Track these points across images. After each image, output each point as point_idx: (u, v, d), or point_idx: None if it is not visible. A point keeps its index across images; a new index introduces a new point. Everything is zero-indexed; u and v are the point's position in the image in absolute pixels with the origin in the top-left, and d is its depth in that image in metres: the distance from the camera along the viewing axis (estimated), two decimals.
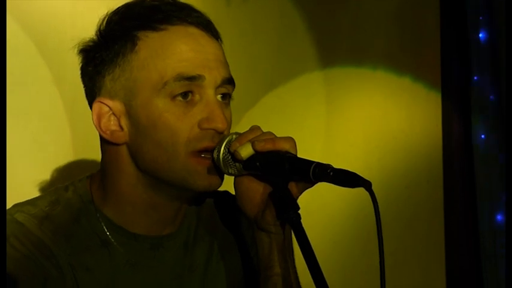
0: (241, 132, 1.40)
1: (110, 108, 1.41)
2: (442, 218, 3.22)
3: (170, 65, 1.39)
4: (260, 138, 1.36)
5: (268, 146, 1.35)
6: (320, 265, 1.32)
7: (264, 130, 1.41)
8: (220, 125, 1.39)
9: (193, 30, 1.42)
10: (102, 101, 1.42)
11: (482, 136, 3.19)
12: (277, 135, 1.39)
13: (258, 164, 1.35)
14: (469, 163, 3.21)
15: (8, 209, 1.41)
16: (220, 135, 1.40)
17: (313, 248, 1.32)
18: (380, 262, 1.28)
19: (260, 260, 1.43)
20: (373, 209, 1.31)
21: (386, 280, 1.29)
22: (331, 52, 2.89)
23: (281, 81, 2.73)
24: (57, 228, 1.40)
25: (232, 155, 1.36)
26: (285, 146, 1.35)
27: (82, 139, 2.15)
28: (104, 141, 1.46)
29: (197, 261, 1.51)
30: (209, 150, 1.39)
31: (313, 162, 1.32)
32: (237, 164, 1.37)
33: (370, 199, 1.29)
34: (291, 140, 1.37)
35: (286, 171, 1.33)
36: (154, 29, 1.40)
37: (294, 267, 1.45)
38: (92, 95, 1.44)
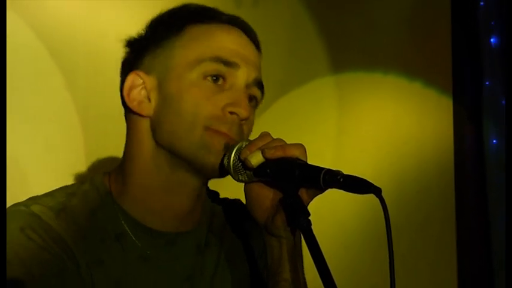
0: (252, 139, 1.41)
1: (143, 82, 1.45)
2: (454, 223, 3.22)
3: (210, 47, 1.43)
4: (270, 146, 1.37)
5: (278, 153, 1.36)
6: (331, 270, 1.32)
7: (276, 135, 1.42)
8: (243, 110, 1.42)
9: (236, 30, 1.48)
10: (137, 73, 1.46)
11: (494, 141, 3.18)
12: (289, 140, 1.40)
13: (268, 171, 1.35)
14: (481, 168, 3.20)
15: (24, 201, 1.43)
16: (239, 127, 1.42)
17: (323, 253, 1.32)
18: (390, 268, 1.28)
19: (269, 266, 1.43)
20: (382, 215, 1.32)
21: (397, 285, 1.29)
22: (342, 57, 2.89)
23: (292, 86, 2.73)
24: (74, 221, 1.41)
25: (242, 162, 1.37)
26: (295, 153, 1.36)
27: (94, 143, 2.16)
28: (129, 114, 1.48)
29: (207, 266, 1.52)
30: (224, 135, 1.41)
31: (323, 168, 1.32)
32: (247, 171, 1.37)
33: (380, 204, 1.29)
34: (301, 146, 1.37)
35: (296, 178, 1.33)
36: (202, 22, 1.46)
37: (303, 273, 1.45)
38: (126, 72, 1.48)
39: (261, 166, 1.36)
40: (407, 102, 3.10)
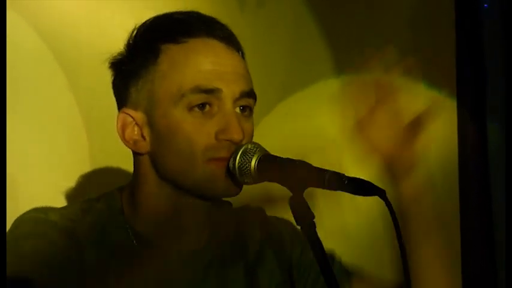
0: (256, 140, 1.41)
1: (133, 119, 1.45)
2: (458, 223, 3.21)
3: (188, 76, 1.41)
4: None
5: None
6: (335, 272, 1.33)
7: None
8: (235, 135, 1.40)
9: (213, 43, 1.44)
10: (126, 111, 1.46)
11: (498, 143, 3.18)
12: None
13: (273, 172, 1.36)
14: (485, 169, 3.20)
15: (37, 208, 1.44)
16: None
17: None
18: (404, 268, 1.29)
19: None
20: (387, 217, 1.32)
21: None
22: (346, 58, 2.89)
23: (296, 87, 2.73)
24: (86, 235, 1.42)
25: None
26: None
27: (98, 145, 2.17)
28: (133, 152, 1.49)
29: (234, 281, 1.52)
30: (226, 160, 1.41)
31: (328, 170, 1.32)
32: (252, 173, 1.38)
33: (385, 207, 1.30)
34: None
35: (301, 180, 1.34)
36: (176, 41, 1.43)
37: None
38: (119, 107, 1.49)
39: (266, 168, 1.37)
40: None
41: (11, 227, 1.41)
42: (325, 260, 1.31)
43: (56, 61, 2.13)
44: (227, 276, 1.52)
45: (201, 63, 1.42)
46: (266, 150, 1.41)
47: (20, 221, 1.42)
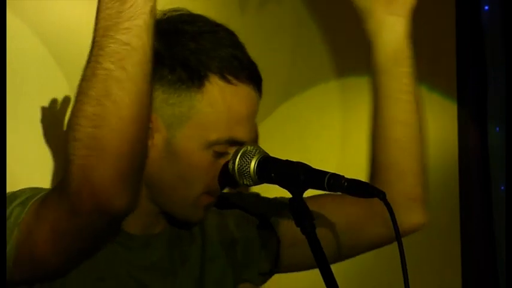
0: (257, 143, 1.42)
1: (152, 123, 1.38)
2: (458, 225, 3.21)
3: (228, 125, 1.40)
4: None
5: None
6: (334, 275, 1.33)
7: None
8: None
9: (252, 93, 1.43)
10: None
11: (499, 144, 3.18)
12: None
13: (272, 175, 1.37)
14: (486, 172, 3.20)
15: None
16: None
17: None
18: (403, 269, 1.29)
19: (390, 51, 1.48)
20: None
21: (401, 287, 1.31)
22: (347, 61, 2.89)
23: (296, 90, 2.73)
24: None
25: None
26: None
27: None
28: None
29: (190, 257, 1.53)
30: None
31: (328, 172, 1.33)
32: (252, 175, 1.38)
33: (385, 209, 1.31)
34: None
35: (300, 182, 1.34)
36: (225, 79, 1.40)
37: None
38: None
39: (265, 170, 1.37)
40: None
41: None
42: (325, 261, 1.32)
43: (58, 65, 2.13)
44: (188, 254, 1.53)
45: (241, 115, 1.42)
46: (266, 152, 1.41)
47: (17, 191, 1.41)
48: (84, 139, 1.20)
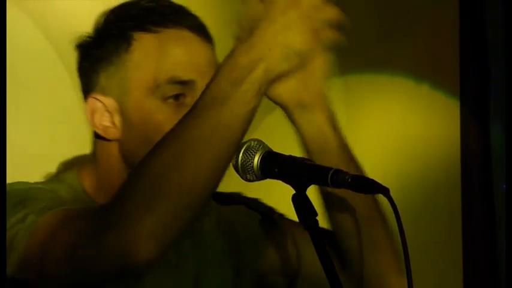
0: (259, 138, 1.41)
1: (104, 105, 1.44)
2: (460, 223, 3.21)
3: (163, 67, 1.42)
4: None
5: None
6: (337, 271, 1.33)
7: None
8: None
9: (187, 34, 1.45)
10: (95, 96, 1.46)
11: (501, 143, 3.17)
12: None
13: (276, 170, 1.36)
14: (487, 169, 3.20)
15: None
16: None
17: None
18: (406, 265, 1.28)
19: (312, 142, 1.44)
20: (390, 215, 1.32)
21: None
22: (349, 59, 2.88)
23: None
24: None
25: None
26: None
27: None
28: (96, 137, 1.49)
29: (182, 256, 1.52)
30: None
31: (331, 168, 1.32)
32: (255, 170, 1.38)
33: (388, 205, 1.30)
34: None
35: (304, 178, 1.34)
36: (149, 30, 1.44)
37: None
38: (86, 90, 1.48)
39: (269, 165, 1.36)
40: (415, 105, 3.10)
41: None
42: (328, 258, 1.31)
43: (60, 60, 2.13)
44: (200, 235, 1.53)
45: (176, 55, 1.43)
46: (269, 148, 1.40)
47: (12, 189, 1.40)
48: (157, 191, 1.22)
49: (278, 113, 2.51)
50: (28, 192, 1.39)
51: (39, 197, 1.38)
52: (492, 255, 3.19)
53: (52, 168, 2.09)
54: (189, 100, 1.42)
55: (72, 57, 2.12)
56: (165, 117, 1.41)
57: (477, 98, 3.23)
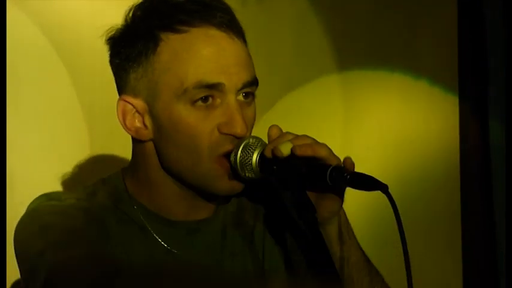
0: (258, 135, 1.41)
1: (134, 106, 1.43)
2: (459, 221, 3.21)
3: (190, 70, 1.40)
4: (300, 142, 1.36)
5: (308, 152, 1.35)
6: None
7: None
8: (239, 130, 1.40)
9: (214, 33, 1.42)
10: (125, 99, 1.44)
11: (500, 140, 3.17)
12: None
13: (274, 167, 1.36)
14: (487, 167, 3.20)
15: (46, 194, 1.45)
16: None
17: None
18: (406, 263, 1.29)
19: None
20: (388, 213, 1.32)
21: (402, 284, 1.30)
22: (348, 54, 2.88)
23: (298, 83, 2.73)
24: (94, 218, 1.42)
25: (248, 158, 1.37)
26: (323, 154, 1.35)
27: (99, 140, 2.17)
28: (132, 137, 1.48)
29: (238, 246, 1.51)
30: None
31: (330, 165, 1.32)
32: (254, 168, 1.38)
33: (386, 202, 1.30)
34: (327, 147, 1.36)
35: (303, 175, 1.34)
36: (176, 31, 1.41)
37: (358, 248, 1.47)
38: (119, 88, 1.47)
39: (267, 163, 1.36)
40: (413, 101, 3.09)
41: (24, 218, 1.41)
42: (327, 254, 1.31)
43: (59, 57, 2.13)
44: (243, 234, 1.52)
45: (203, 57, 1.40)
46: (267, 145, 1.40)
47: (35, 210, 1.42)
48: None
49: (276, 111, 2.52)
50: (51, 217, 1.39)
51: (58, 227, 1.37)
52: (492, 253, 3.19)
53: (52, 166, 2.09)
54: (218, 102, 1.40)
55: (72, 57, 2.14)
56: (195, 121, 1.40)
57: (476, 95, 3.23)
